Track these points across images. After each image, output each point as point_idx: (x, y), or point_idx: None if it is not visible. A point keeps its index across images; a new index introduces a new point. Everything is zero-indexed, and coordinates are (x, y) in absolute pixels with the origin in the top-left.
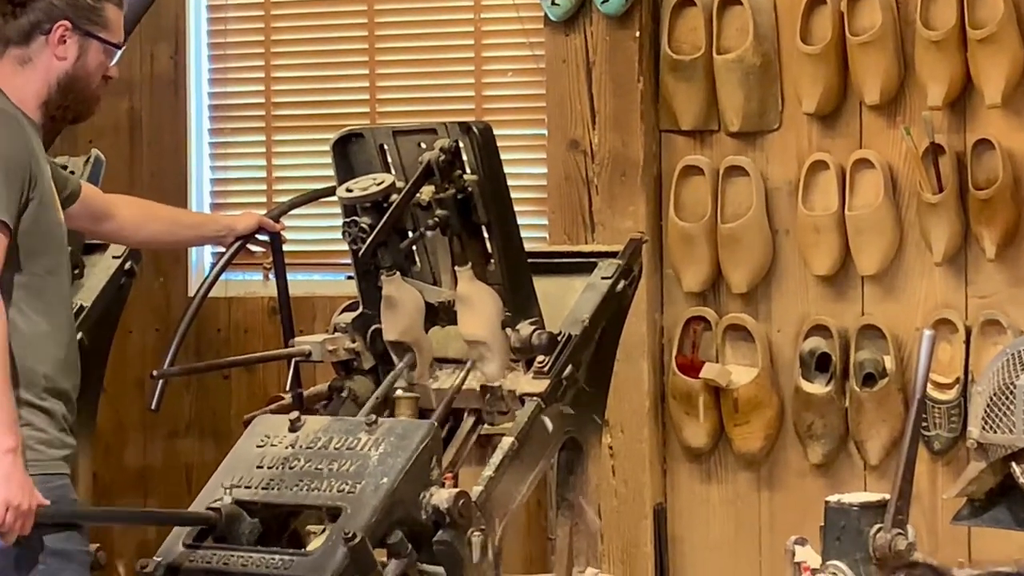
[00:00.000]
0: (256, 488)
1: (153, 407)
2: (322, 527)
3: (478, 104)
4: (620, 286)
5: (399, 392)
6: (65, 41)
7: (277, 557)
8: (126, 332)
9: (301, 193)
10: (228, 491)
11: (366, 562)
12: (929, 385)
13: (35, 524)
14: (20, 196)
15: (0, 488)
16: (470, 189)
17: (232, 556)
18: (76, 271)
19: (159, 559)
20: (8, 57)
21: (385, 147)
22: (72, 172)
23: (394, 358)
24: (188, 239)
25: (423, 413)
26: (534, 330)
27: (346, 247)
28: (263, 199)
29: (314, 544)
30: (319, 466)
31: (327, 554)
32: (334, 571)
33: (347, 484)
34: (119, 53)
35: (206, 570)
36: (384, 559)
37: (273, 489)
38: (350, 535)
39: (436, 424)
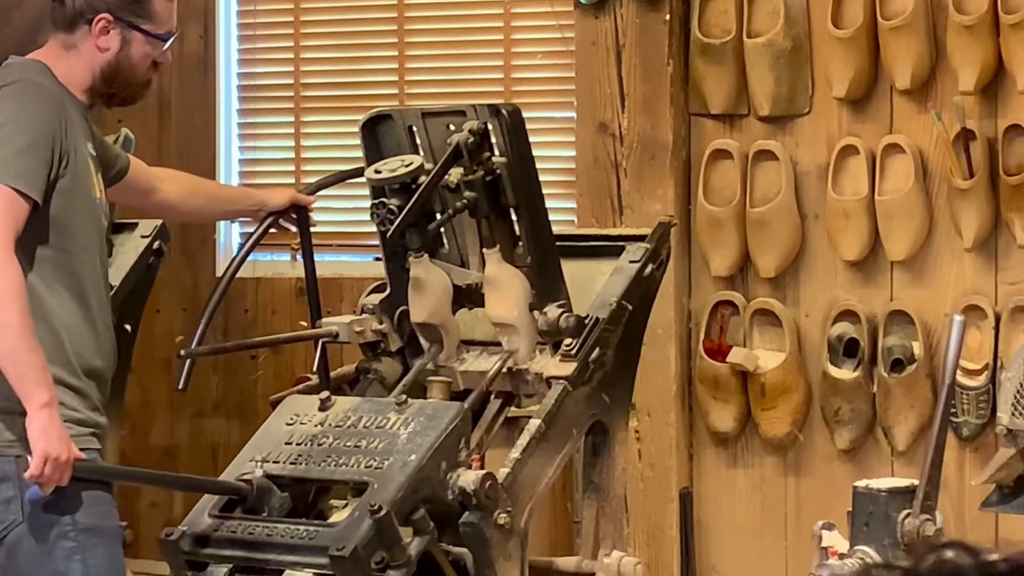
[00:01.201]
0: (284, 463)
1: (180, 387)
2: (344, 501)
3: (507, 86)
4: (648, 270)
5: (432, 376)
6: (108, 32)
7: (302, 528)
8: (153, 311)
9: (329, 173)
10: (259, 464)
11: (391, 535)
12: (958, 371)
13: (72, 477)
14: (48, 170)
15: (39, 440)
16: (499, 171)
17: (257, 527)
18: None
19: (184, 528)
20: (55, 41)
21: (414, 129)
22: None
23: (421, 340)
24: (225, 213)
25: (451, 396)
26: (561, 313)
27: (374, 228)
28: (291, 180)
29: (336, 517)
30: (347, 443)
31: (352, 526)
32: (359, 542)
33: (375, 460)
34: (171, 40)
35: (231, 539)
36: (409, 538)
37: (301, 464)
38: (376, 507)
39: (466, 406)
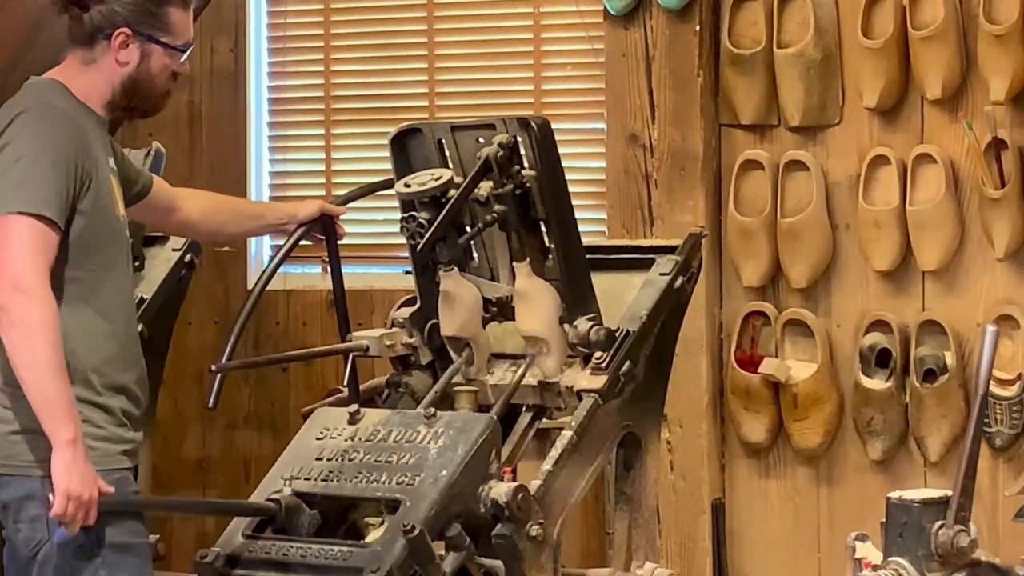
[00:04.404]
0: (315, 480)
1: (210, 405)
2: (380, 519)
3: (537, 98)
4: (679, 282)
5: (459, 386)
6: (127, 46)
7: (336, 548)
8: (185, 324)
9: (360, 185)
10: (288, 483)
11: (425, 554)
12: (991, 381)
13: (100, 514)
14: (69, 193)
15: (61, 479)
16: (528, 185)
17: (291, 547)
18: (136, 263)
19: (218, 549)
20: (74, 57)
21: (443, 142)
22: None
23: (452, 354)
24: (251, 229)
25: (480, 409)
26: (592, 326)
27: (404, 240)
28: (322, 192)
29: (372, 536)
30: (378, 458)
31: (386, 546)
32: (393, 563)
33: (406, 476)
34: (189, 50)
35: (265, 560)
36: (443, 552)
37: (332, 481)
38: (409, 527)
39: (495, 418)
